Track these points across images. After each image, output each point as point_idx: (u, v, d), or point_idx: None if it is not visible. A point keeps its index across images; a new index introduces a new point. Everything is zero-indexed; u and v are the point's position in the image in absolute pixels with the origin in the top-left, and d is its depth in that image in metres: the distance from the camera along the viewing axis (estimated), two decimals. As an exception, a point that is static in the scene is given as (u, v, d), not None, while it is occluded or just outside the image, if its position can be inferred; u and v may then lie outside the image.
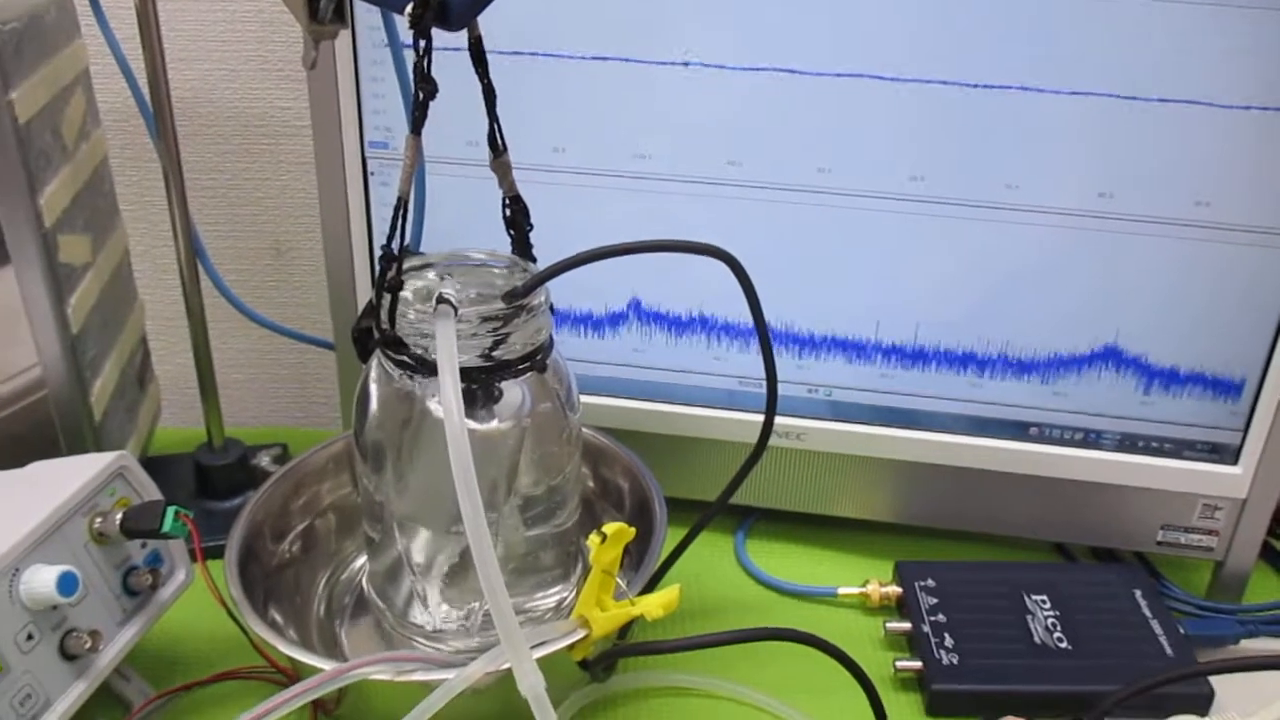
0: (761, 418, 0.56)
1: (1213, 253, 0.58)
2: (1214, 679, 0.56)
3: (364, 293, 0.67)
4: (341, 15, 0.50)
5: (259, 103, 0.81)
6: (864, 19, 0.56)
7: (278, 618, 0.57)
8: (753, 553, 0.69)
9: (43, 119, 0.57)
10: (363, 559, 0.63)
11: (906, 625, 0.60)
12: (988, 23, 0.56)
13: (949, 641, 0.59)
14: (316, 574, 0.63)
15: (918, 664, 0.58)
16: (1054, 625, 0.60)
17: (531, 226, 0.54)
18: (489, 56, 0.50)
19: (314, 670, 0.47)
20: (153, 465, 0.59)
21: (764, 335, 0.54)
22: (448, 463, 0.43)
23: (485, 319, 0.49)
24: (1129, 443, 0.64)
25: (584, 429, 0.62)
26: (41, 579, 0.46)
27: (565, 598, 0.58)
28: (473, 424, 0.50)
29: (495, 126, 0.52)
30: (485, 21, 0.49)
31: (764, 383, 0.55)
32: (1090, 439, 0.64)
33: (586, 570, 0.50)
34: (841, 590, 0.64)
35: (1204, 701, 0.56)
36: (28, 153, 0.55)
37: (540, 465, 0.54)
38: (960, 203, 0.60)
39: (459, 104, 0.50)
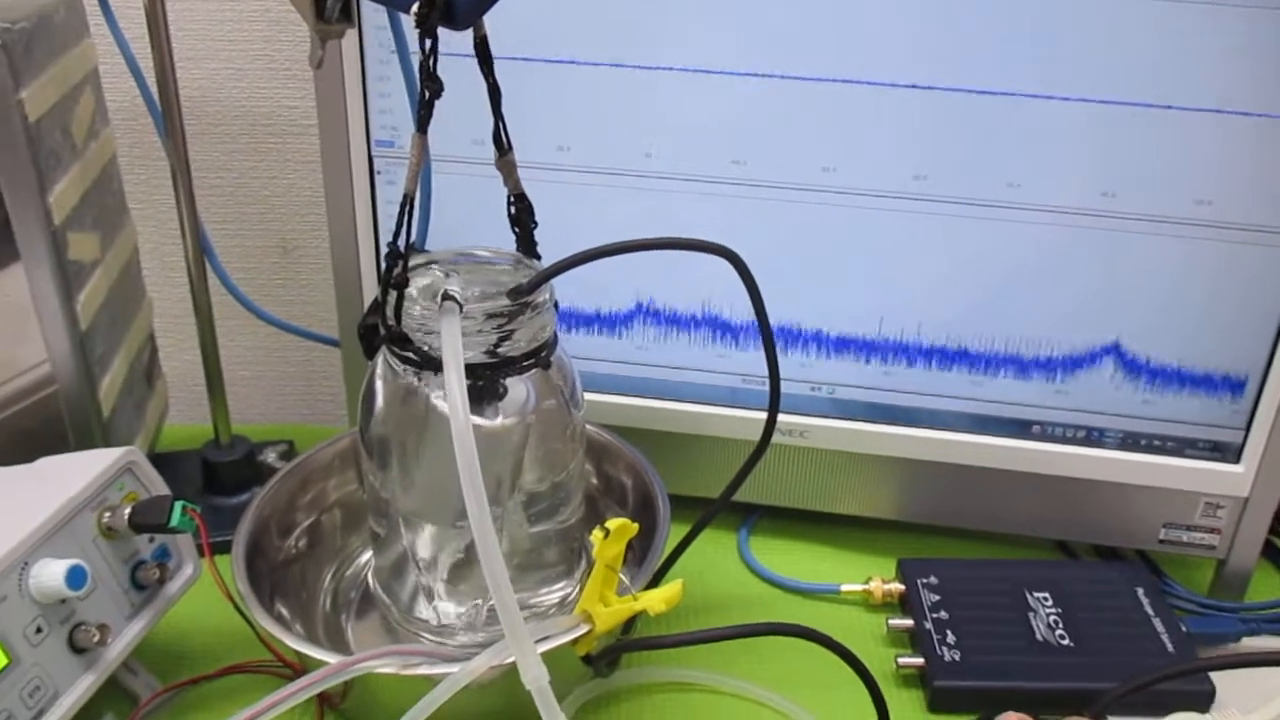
0: (764, 415, 0.57)
1: (1214, 251, 0.59)
2: (1215, 676, 0.56)
3: (370, 290, 0.67)
4: (348, 14, 0.51)
5: (266, 102, 0.82)
6: (867, 25, 0.57)
7: (284, 612, 0.57)
8: (756, 550, 0.69)
9: (52, 118, 0.57)
10: (368, 554, 0.63)
11: (909, 622, 0.61)
12: (989, 28, 0.56)
13: (951, 638, 0.59)
14: (322, 569, 0.63)
15: (920, 660, 0.58)
16: (1056, 622, 0.60)
17: (536, 224, 0.55)
18: (495, 60, 0.50)
19: (320, 664, 0.47)
20: (160, 461, 0.59)
21: (767, 333, 0.54)
22: (453, 458, 0.43)
23: (490, 316, 0.50)
24: (1131, 441, 0.64)
25: (588, 426, 0.62)
26: (51, 573, 0.47)
27: (569, 594, 0.58)
28: (477, 420, 0.51)
29: (500, 125, 0.52)
30: (490, 26, 0.49)
31: (767, 380, 0.56)
32: (1092, 437, 0.64)
33: (590, 566, 0.50)
34: (844, 587, 0.65)
35: (1205, 698, 0.56)
36: (37, 151, 0.55)
37: (544, 461, 0.54)
38: (963, 202, 0.60)
39: (464, 103, 0.50)
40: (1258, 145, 0.56)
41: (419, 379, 0.51)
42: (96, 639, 0.49)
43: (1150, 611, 0.61)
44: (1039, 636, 0.59)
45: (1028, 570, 0.64)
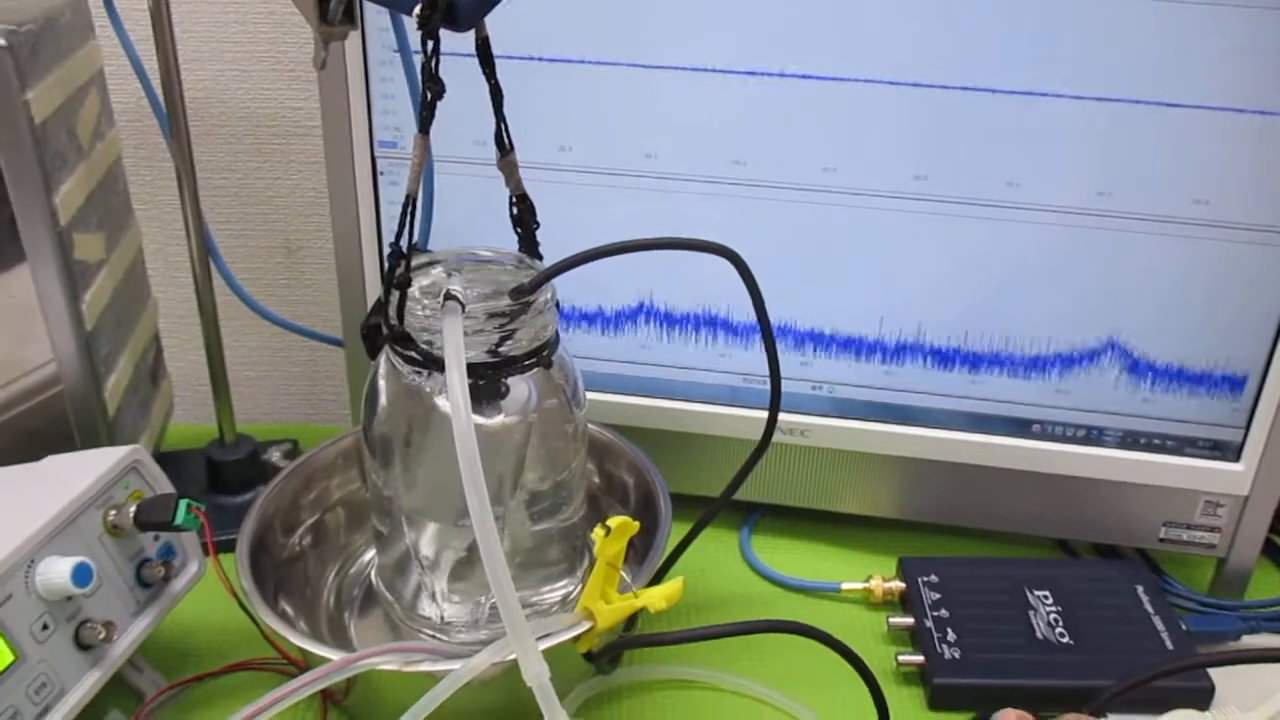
0: (765, 414, 0.57)
1: (1213, 250, 0.59)
2: (1214, 674, 0.57)
3: (373, 290, 0.67)
4: (351, 16, 0.51)
5: (270, 103, 0.82)
6: (867, 25, 0.57)
7: (288, 610, 0.57)
8: (757, 548, 0.70)
9: (58, 119, 0.58)
10: (372, 552, 0.63)
11: (909, 620, 0.61)
12: (989, 27, 0.56)
13: (951, 636, 0.59)
14: (326, 567, 0.64)
15: (920, 658, 0.59)
16: (1056, 620, 0.60)
17: (538, 224, 0.55)
18: (496, 60, 0.51)
19: (324, 661, 0.48)
20: (165, 460, 0.60)
21: (767, 332, 0.55)
22: (455, 457, 0.44)
23: (492, 315, 0.50)
24: (1131, 440, 0.64)
25: (589, 424, 0.62)
26: (57, 570, 0.47)
27: (571, 592, 0.59)
28: (479, 419, 0.51)
29: (502, 126, 0.52)
30: (492, 26, 0.50)
31: (768, 380, 0.56)
32: (1092, 436, 0.64)
33: (592, 565, 0.50)
34: (845, 585, 0.65)
35: (1204, 695, 0.56)
36: (43, 152, 0.56)
37: (546, 460, 0.55)
38: (963, 201, 0.60)
39: (466, 104, 0.51)
40: (1257, 144, 0.56)
41: (421, 378, 0.52)
42: (102, 636, 0.49)
43: (1150, 610, 0.61)
44: (1039, 634, 0.59)
45: (1028, 568, 0.65)
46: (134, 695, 0.56)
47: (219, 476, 0.71)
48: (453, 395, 0.45)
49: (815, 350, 0.65)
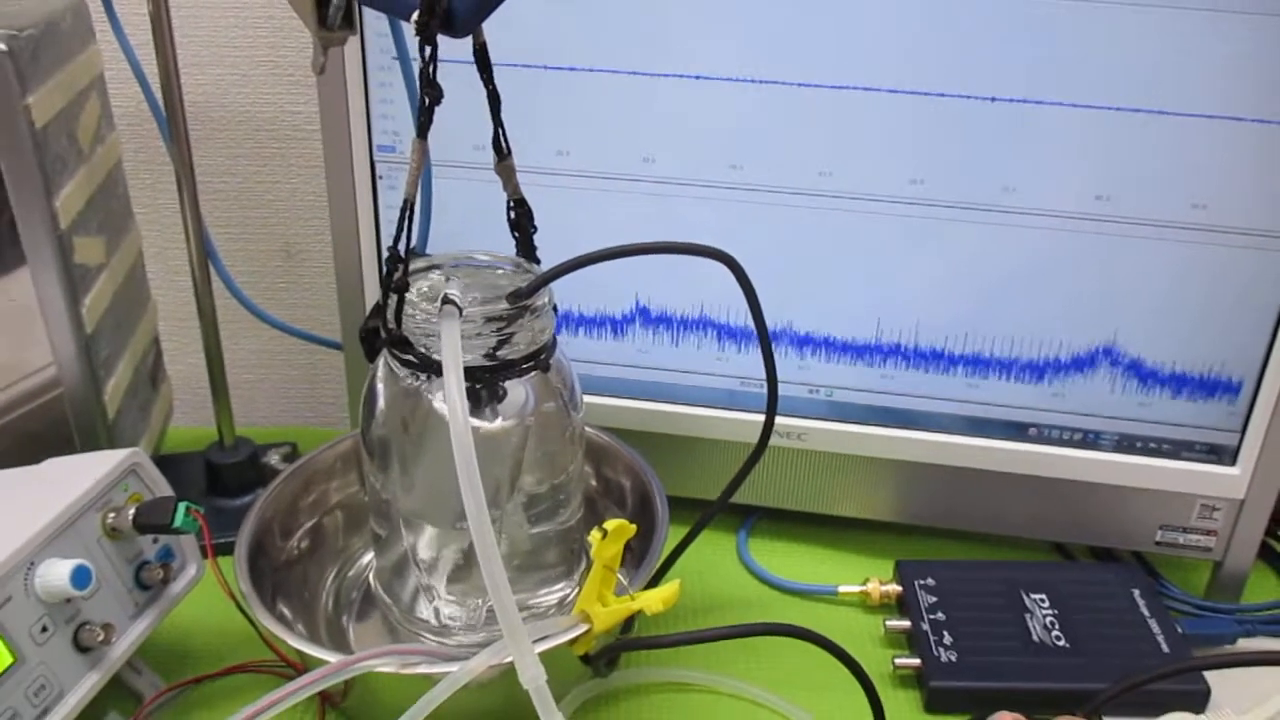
0: (762, 418, 0.57)
1: (1210, 255, 0.59)
2: (1210, 677, 0.57)
3: (372, 294, 0.68)
4: (350, 22, 0.51)
5: (270, 107, 0.82)
6: (864, 31, 0.57)
7: (286, 612, 0.57)
8: (754, 551, 0.70)
9: (59, 123, 0.58)
10: (370, 555, 0.63)
11: (906, 623, 0.61)
12: (986, 34, 0.56)
13: (948, 639, 0.59)
14: (324, 570, 0.64)
15: (916, 661, 0.59)
16: (1052, 624, 0.60)
17: (535, 229, 0.55)
18: (494, 68, 0.51)
19: (321, 663, 0.48)
20: (164, 463, 0.60)
21: (764, 336, 0.55)
22: (452, 460, 0.44)
23: (489, 319, 0.50)
24: (1127, 443, 0.64)
25: (587, 428, 0.62)
26: (56, 572, 0.47)
27: (568, 595, 0.59)
28: (477, 423, 0.51)
29: (500, 131, 0.53)
30: (490, 34, 0.50)
31: (765, 383, 0.56)
32: (1089, 439, 0.65)
33: (589, 568, 0.50)
34: (842, 589, 0.65)
35: (1200, 699, 0.56)
36: (44, 156, 0.56)
37: (543, 464, 0.55)
38: (959, 206, 0.60)
39: (464, 109, 0.51)
40: (1253, 150, 0.56)
41: (419, 382, 0.52)
42: (101, 638, 0.50)
43: (1146, 613, 0.61)
44: (1035, 637, 0.59)
45: (1024, 572, 0.65)
46: (133, 697, 0.56)
47: (218, 479, 0.72)
48: (450, 399, 0.45)
49: (812, 354, 0.65)
